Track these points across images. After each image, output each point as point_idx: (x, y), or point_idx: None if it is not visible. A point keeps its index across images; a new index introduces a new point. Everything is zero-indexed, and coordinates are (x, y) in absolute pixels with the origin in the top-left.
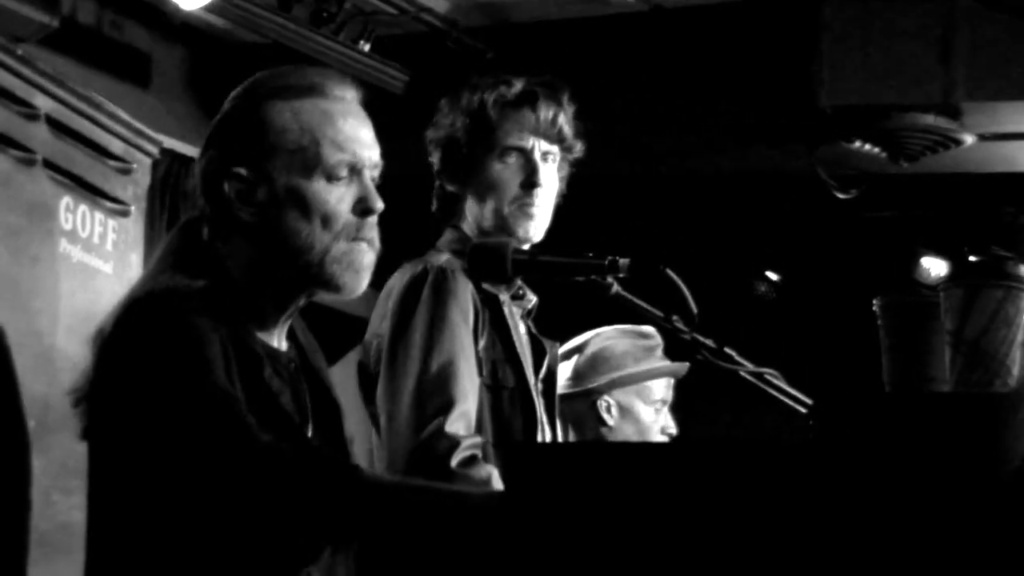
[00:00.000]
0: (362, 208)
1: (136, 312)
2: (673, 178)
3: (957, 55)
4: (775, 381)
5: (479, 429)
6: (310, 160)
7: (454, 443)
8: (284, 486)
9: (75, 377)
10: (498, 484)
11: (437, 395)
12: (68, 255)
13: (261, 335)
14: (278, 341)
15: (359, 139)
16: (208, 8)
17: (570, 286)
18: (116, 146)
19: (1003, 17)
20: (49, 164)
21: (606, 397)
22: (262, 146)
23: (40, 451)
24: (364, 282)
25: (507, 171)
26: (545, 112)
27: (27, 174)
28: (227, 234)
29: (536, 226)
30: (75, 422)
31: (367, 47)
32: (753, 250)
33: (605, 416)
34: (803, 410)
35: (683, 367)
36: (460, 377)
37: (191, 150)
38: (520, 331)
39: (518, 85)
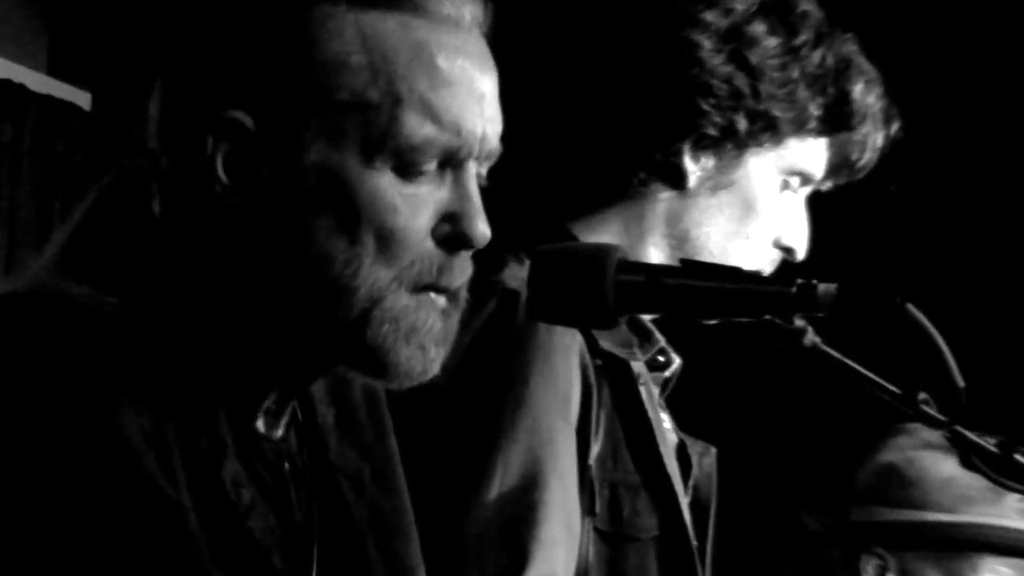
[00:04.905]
0: (453, 232)
1: None
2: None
3: None
4: None
5: None
6: (376, 127)
7: None
8: None
9: None
10: None
11: (501, 543)
12: None
13: (235, 406)
14: (267, 424)
15: (471, 100)
16: None
17: (730, 331)
18: None
19: None
20: None
21: (886, 554)
22: (293, 81)
23: None
24: (429, 365)
25: (784, 202)
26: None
27: None
28: (197, 218)
29: None
30: None
31: None
32: None
33: None
34: None
35: None
36: (546, 509)
37: (26, 75)
38: (665, 428)
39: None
